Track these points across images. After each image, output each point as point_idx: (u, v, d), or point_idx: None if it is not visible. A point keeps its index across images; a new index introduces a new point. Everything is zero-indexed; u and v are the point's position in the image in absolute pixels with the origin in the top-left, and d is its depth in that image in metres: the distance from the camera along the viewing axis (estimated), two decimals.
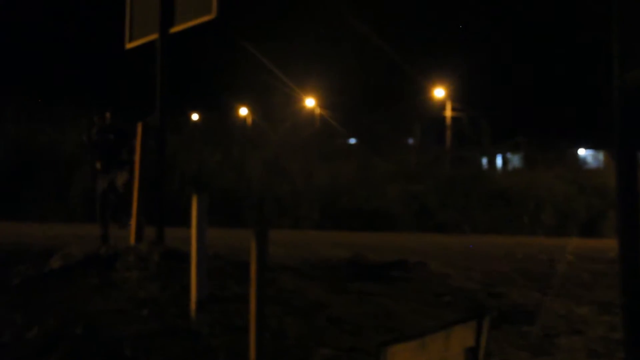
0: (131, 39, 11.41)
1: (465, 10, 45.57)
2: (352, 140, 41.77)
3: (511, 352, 8.08)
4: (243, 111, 47.67)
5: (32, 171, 27.50)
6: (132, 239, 11.75)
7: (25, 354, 8.20)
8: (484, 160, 39.59)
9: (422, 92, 46.06)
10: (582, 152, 47.15)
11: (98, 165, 13.12)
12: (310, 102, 46.39)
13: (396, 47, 41.23)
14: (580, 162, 42.79)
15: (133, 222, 11.60)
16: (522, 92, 43.89)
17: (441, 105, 45.52)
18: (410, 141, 38.70)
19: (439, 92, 45.87)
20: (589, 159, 44.99)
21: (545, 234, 26.40)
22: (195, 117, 41.83)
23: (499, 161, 42.82)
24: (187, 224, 9.04)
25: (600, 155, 43.03)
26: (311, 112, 45.26)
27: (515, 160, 42.64)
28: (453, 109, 44.86)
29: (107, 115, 13.43)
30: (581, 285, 12.29)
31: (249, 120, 44.90)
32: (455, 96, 45.29)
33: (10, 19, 43.27)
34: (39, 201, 26.19)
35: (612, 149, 3.57)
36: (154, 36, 10.67)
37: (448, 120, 44.25)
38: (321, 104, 46.96)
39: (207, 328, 8.48)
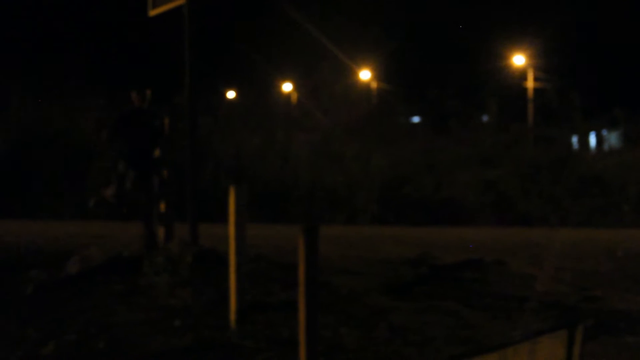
0: (155, 5, 11.52)
1: None
2: (416, 119, 41.72)
3: None
4: (287, 87, 47.88)
5: (43, 162, 27.82)
6: (160, 238, 11.89)
7: None
8: (575, 140, 39.26)
9: (499, 60, 45.84)
10: None
11: (121, 167, 11.77)
12: (365, 75, 46.40)
13: (468, 5, 41.07)
14: None
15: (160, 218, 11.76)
16: (620, 55, 43.41)
17: (522, 75, 45.24)
18: (485, 118, 38.47)
19: (518, 60, 45.61)
20: None
21: None
22: (231, 95, 42.15)
23: (592, 140, 42.44)
24: (224, 220, 9.12)
25: None
26: (366, 87, 45.24)
27: (613, 138, 42.19)
28: (535, 79, 44.54)
29: (148, 93, 11.55)
30: None
31: (294, 98, 45.05)
32: (539, 64, 44.99)
33: None
34: (50, 195, 26.51)
35: None
36: (180, 1, 10.76)
37: (530, 93, 43.95)
38: (378, 76, 46.93)
39: (250, 341, 8.56)
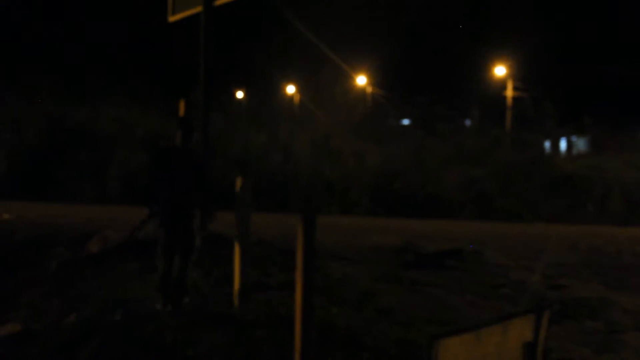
0: (174, 12, 11.52)
1: None
2: (406, 121, 41.70)
3: (572, 349, 8.07)
4: (290, 89, 47.83)
5: (67, 150, 27.79)
6: None
7: (63, 342, 8.38)
8: (547, 144, 39.29)
9: (482, 70, 45.83)
10: None
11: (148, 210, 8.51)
12: (361, 80, 46.37)
13: (454, 21, 41.07)
14: None
15: None
16: (589, 69, 43.50)
17: (502, 85, 45.22)
18: (468, 123, 38.49)
19: (499, 70, 45.59)
20: None
21: (613, 223, 26.13)
22: (239, 95, 42.12)
23: (563, 145, 42.47)
24: (231, 208, 9.14)
25: None
26: (362, 91, 45.22)
27: (581, 143, 42.26)
28: (514, 89, 44.52)
29: (195, 134, 8.73)
30: None
31: (296, 100, 45.02)
32: (517, 75, 44.98)
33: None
34: (74, 181, 26.47)
35: None
36: (198, 9, 10.77)
37: (509, 101, 43.92)
38: (373, 82, 46.91)
39: (251, 317, 8.58)
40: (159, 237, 8.48)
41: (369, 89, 46.00)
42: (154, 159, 8.49)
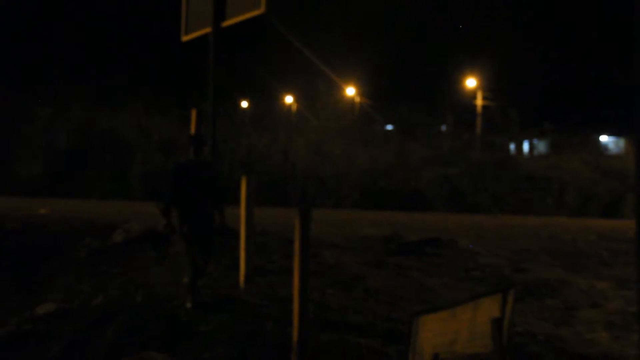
0: (187, 32, 11.51)
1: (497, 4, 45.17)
2: (390, 127, 41.65)
3: (534, 323, 8.09)
4: (288, 99, 47.70)
5: (94, 153, 27.82)
6: None
7: (91, 320, 8.40)
8: (512, 146, 39.32)
9: (455, 82, 45.84)
10: (604, 138, 46.54)
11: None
12: (350, 91, 46.27)
13: (431, 39, 41.09)
14: (602, 148, 42.30)
15: None
16: (549, 81, 43.58)
17: (472, 95, 45.23)
18: (444, 128, 38.46)
19: (470, 82, 45.57)
20: (611, 145, 44.42)
21: (569, 214, 26.20)
22: (244, 104, 42.04)
23: (526, 147, 42.49)
24: (237, 204, 9.16)
25: (622, 142, 42.50)
26: (351, 100, 45.11)
27: (542, 146, 42.28)
28: (484, 98, 44.49)
29: (206, 149, 8.84)
30: (601, 263, 12.23)
31: (294, 108, 44.95)
32: (486, 86, 45.00)
33: (70, 18, 43.86)
34: (101, 181, 26.50)
35: (632, 137, 3.59)
36: (207, 29, 10.76)
37: (479, 109, 43.86)
38: (361, 92, 46.85)
39: (255, 298, 8.60)
40: (184, 241, 8.36)
41: (357, 99, 45.91)
42: (173, 173, 8.35)
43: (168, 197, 8.15)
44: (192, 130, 10.31)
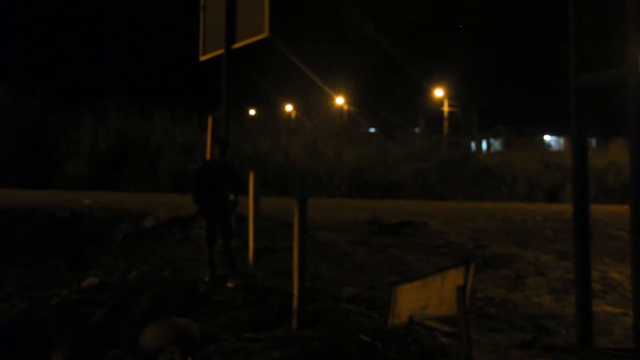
0: (203, 53, 11.45)
1: (456, 26, 45.20)
2: (372, 129, 41.68)
3: (491, 289, 8.11)
4: (288, 107, 47.61)
5: (129, 154, 27.79)
6: None
7: (127, 291, 8.38)
8: (473, 144, 39.37)
9: (426, 92, 45.88)
10: (547, 137, 46.65)
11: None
12: (340, 100, 46.24)
13: (407, 57, 41.14)
14: (546, 145, 42.45)
15: None
16: (503, 90, 43.71)
17: (440, 103, 45.26)
18: (417, 130, 38.48)
19: (438, 92, 45.60)
20: (553, 143, 44.55)
21: (519, 200, 26.22)
22: (252, 112, 41.96)
23: (484, 145, 42.56)
24: (246, 194, 9.15)
25: (562, 140, 42.63)
26: (340, 108, 45.08)
27: (497, 144, 42.38)
28: (449, 105, 44.52)
29: (228, 150, 8.59)
30: (545, 239, 12.24)
31: (293, 115, 44.88)
32: (451, 95, 45.05)
33: (106, 40, 43.87)
34: (134, 177, 26.47)
35: (570, 136, 3.59)
36: (220, 51, 10.72)
37: (445, 114, 43.93)
38: (348, 101, 46.82)
39: (262, 272, 8.60)
40: (204, 227, 8.53)
41: (346, 106, 45.86)
42: (200, 170, 8.46)
43: (195, 189, 8.37)
44: (209, 135, 10.26)
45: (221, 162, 8.39)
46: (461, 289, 4.86)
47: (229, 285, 7.94)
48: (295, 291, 6.27)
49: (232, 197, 8.32)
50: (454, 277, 5.05)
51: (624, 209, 3.10)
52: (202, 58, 11.56)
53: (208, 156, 9.55)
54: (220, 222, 8.32)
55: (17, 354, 7.31)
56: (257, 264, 8.85)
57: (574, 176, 3.47)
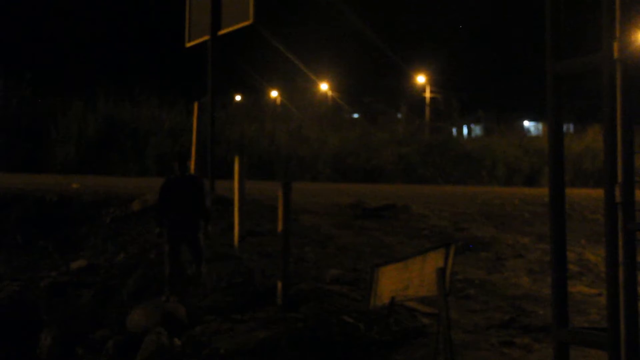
0: (189, 40, 11.39)
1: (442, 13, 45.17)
2: (356, 115, 41.62)
3: (471, 271, 8.15)
4: (274, 93, 47.43)
5: (117, 139, 27.66)
6: None
7: (115, 272, 8.37)
8: (454, 130, 39.46)
9: (409, 78, 45.87)
10: (526, 123, 46.85)
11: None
12: (324, 86, 46.15)
13: (390, 43, 41.08)
14: (525, 130, 42.61)
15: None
16: (483, 77, 43.80)
17: (422, 88, 45.29)
18: (399, 115, 38.46)
19: (420, 79, 45.61)
20: (532, 129, 44.75)
21: (498, 184, 26.38)
22: (237, 98, 41.74)
23: (465, 130, 42.66)
24: (231, 178, 9.11)
25: (540, 126, 42.85)
26: (325, 94, 44.99)
27: (477, 129, 42.49)
28: (431, 91, 44.57)
29: (189, 163, 8.21)
30: (524, 222, 12.30)
31: (278, 101, 44.72)
32: (433, 81, 45.09)
33: (95, 27, 43.56)
34: (122, 161, 26.36)
35: (547, 122, 3.59)
36: (206, 37, 10.65)
37: (427, 100, 43.95)
38: (332, 87, 46.72)
39: (247, 254, 8.59)
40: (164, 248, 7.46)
41: (329, 92, 45.78)
42: (161, 189, 7.68)
43: (158, 208, 7.60)
44: (194, 120, 10.23)
45: (183, 178, 7.56)
46: (441, 271, 4.88)
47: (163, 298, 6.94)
48: (281, 272, 6.27)
49: (206, 226, 7.56)
50: (434, 259, 5.07)
51: (599, 193, 3.13)
52: (188, 44, 11.49)
53: (194, 142, 9.50)
54: (188, 246, 7.45)
55: (7, 334, 7.29)
56: (242, 246, 8.83)
57: (550, 161, 3.48)
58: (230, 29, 10.09)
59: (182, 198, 7.38)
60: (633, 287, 2.98)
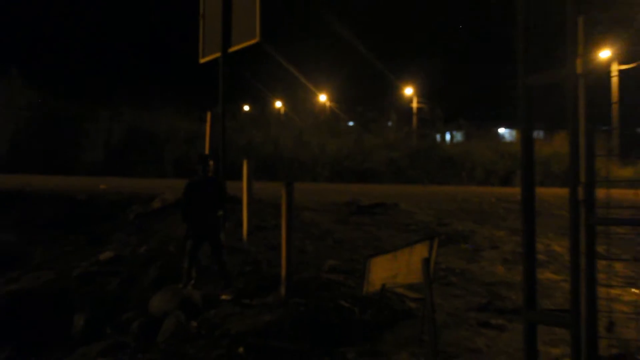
0: (203, 56, 11.37)
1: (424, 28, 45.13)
2: (351, 123, 41.66)
3: (453, 261, 8.17)
4: (278, 104, 47.42)
5: (139, 144, 27.67)
6: None
7: (138, 263, 8.39)
8: (438, 136, 39.48)
9: (397, 90, 45.90)
10: (502, 130, 46.83)
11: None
12: (323, 97, 46.20)
13: (382, 59, 41.06)
14: (500, 137, 42.63)
15: None
16: (464, 89, 43.82)
17: (410, 99, 45.31)
18: (389, 123, 38.50)
19: (408, 90, 45.63)
20: (507, 135, 44.72)
21: (477, 184, 26.41)
22: (246, 107, 41.75)
23: (447, 137, 42.68)
24: (240, 179, 9.14)
25: (514, 133, 42.84)
26: (323, 104, 44.96)
27: (458, 136, 42.50)
28: (418, 102, 44.59)
29: (211, 164, 7.49)
30: (499, 217, 12.33)
31: (282, 110, 44.72)
32: (419, 92, 45.13)
33: (119, 41, 43.43)
34: (143, 164, 26.37)
35: (519, 128, 3.62)
36: (217, 54, 10.65)
37: (414, 110, 43.97)
38: (330, 98, 46.72)
39: (254, 247, 8.61)
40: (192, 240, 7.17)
41: (328, 103, 45.78)
42: (185, 191, 7.24)
43: (183, 208, 7.28)
44: (207, 127, 10.22)
45: (205, 180, 7.25)
46: (426, 261, 4.90)
47: (224, 297, 6.73)
48: (284, 263, 6.29)
49: (220, 212, 7.35)
50: (420, 251, 5.10)
51: (565, 192, 3.16)
52: (202, 60, 11.47)
53: (207, 148, 9.52)
54: (209, 241, 7.19)
55: (44, 317, 7.32)
56: (251, 240, 8.86)
57: (522, 164, 3.51)
58: (240, 46, 10.09)
59: (205, 198, 7.23)
60: (592, 274, 3.03)
